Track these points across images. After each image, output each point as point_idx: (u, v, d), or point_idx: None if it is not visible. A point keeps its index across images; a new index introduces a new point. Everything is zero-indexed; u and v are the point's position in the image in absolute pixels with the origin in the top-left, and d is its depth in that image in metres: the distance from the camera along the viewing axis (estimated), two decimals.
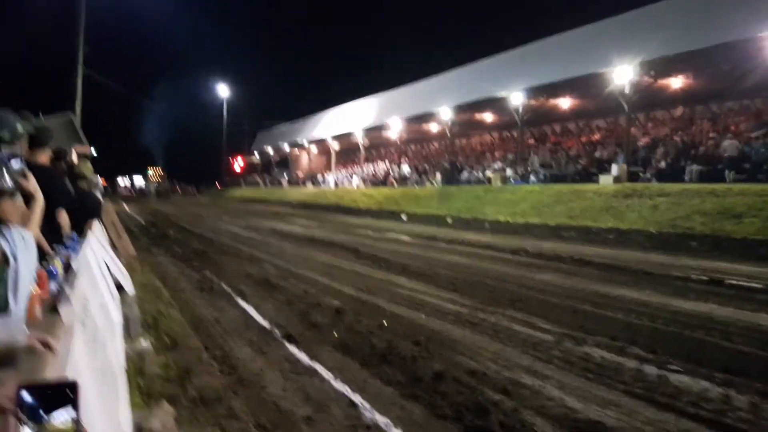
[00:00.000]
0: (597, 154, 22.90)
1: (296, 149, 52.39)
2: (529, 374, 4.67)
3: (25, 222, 2.48)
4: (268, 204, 41.39)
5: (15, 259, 1.99)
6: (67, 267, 3.46)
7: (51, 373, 2.04)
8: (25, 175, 2.28)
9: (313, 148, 49.17)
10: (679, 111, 23.67)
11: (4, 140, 2.86)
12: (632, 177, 18.73)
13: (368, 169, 40.87)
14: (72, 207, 4.82)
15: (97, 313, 3.63)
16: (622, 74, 18.85)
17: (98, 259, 5.24)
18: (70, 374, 2.20)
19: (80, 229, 5.18)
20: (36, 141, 4.18)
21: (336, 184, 40.64)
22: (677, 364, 4.86)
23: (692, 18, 17.10)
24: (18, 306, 2.05)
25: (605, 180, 19.13)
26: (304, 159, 53.87)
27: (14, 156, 2.23)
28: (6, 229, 2.05)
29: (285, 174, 52.93)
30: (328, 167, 47.64)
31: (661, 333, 6.03)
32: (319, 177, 45.43)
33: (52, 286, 2.86)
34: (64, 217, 4.57)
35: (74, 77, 22.49)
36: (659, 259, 11.86)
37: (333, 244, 14.67)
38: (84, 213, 5.52)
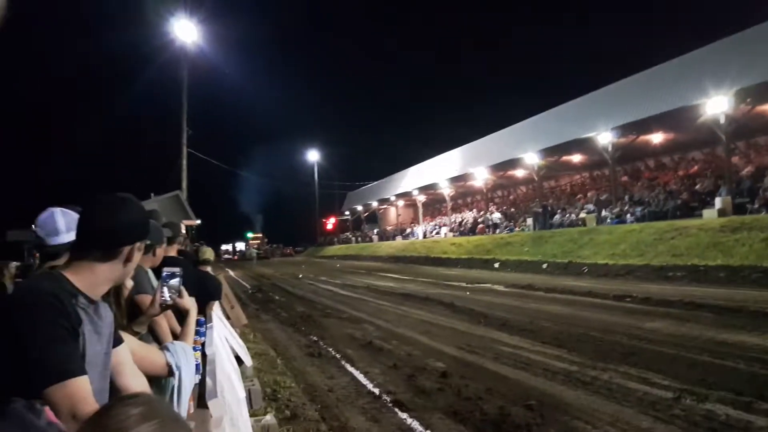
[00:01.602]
0: (697, 187, 21.85)
1: (384, 204, 53.57)
2: None
3: (177, 332, 2.84)
4: (361, 259, 42.24)
5: (179, 370, 2.30)
6: (202, 354, 3.83)
7: None
8: (180, 293, 2.62)
9: (400, 202, 50.08)
10: None
11: (148, 247, 3.28)
12: (738, 209, 17.71)
13: (455, 218, 40.95)
14: (198, 292, 5.30)
15: (230, 395, 3.98)
16: (717, 105, 18.12)
17: (221, 338, 5.68)
18: None
19: (203, 310, 5.65)
20: (169, 240, 4.70)
21: (424, 235, 40.95)
22: None
23: None
24: (181, 412, 2.35)
25: (709, 214, 18.19)
26: (392, 213, 54.87)
27: (173, 276, 2.58)
28: (170, 343, 2.39)
29: (374, 229, 54.05)
30: (415, 219, 48.22)
31: None
32: (408, 230, 45.98)
33: (196, 378, 3.21)
34: (194, 305, 5.03)
35: (180, 158, 24.46)
36: None
37: (428, 298, 14.80)
38: (207, 296, 6.01)
